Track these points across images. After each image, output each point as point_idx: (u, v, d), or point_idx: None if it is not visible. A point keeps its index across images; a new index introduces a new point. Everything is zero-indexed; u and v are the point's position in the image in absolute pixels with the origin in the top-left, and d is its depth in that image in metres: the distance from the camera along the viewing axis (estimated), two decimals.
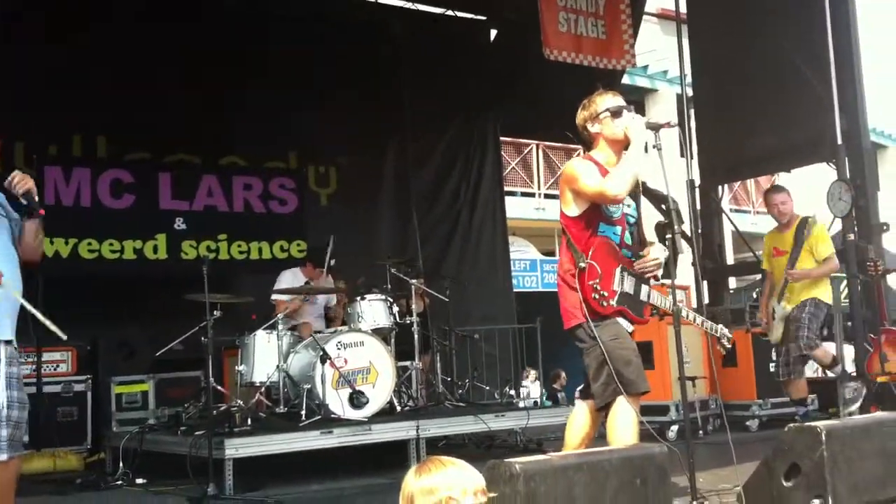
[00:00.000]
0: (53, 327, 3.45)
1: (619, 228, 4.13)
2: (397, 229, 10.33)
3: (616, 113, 4.10)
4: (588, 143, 4.24)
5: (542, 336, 9.10)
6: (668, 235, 4.13)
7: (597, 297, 3.95)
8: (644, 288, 4.12)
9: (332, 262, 7.65)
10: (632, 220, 4.21)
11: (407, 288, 7.72)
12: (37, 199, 3.70)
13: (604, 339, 3.94)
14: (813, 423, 3.90)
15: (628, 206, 4.15)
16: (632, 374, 3.93)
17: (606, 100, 4.15)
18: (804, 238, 6.66)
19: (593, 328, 3.93)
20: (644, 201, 4.32)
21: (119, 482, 6.14)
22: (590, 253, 3.98)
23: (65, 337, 3.48)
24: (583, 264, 3.96)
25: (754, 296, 7.17)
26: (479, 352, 9.11)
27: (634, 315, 4.10)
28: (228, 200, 9.41)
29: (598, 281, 3.95)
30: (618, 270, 4.03)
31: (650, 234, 4.25)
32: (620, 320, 4.04)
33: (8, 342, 3.54)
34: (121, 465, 6.31)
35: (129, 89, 8.45)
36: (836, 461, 3.75)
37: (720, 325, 4.46)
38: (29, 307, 3.52)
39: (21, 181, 3.65)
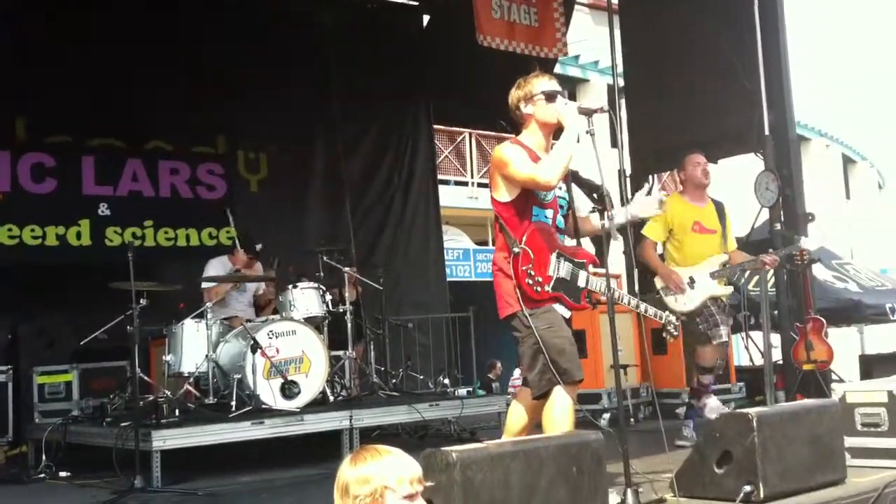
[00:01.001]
0: None
1: (550, 212, 4.10)
2: (329, 216, 10.20)
3: (550, 97, 4.06)
4: (518, 123, 4.20)
5: (476, 326, 9.12)
6: (602, 222, 4.15)
7: (531, 282, 3.91)
8: (581, 273, 4.07)
9: (259, 246, 7.52)
10: (563, 204, 4.18)
11: (339, 276, 7.64)
12: None
13: (539, 327, 3.91)
14: (744, 410, 3.97)
15: (560, 188, 4.13)
16: (566, 363, 3.91)
17: (542, 82, 4.11)
18: (725, 222, 6.29)
19: (528, 316, 3.91)
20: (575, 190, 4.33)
21: (42, 475, 6.00)
22: (523, 238, 3.95)
23: None
24: (517, 249, 3.92)
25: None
26: (413, 341, 9.08)
27: (571, 301, 4.05)
28: (154, 186, 9.17)
29: (531, 266, 3.92)
30: (553, 256, 3.99)
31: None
32: (557, 307, 4.00)
33: None
34: (43, 457, 6.16)
35: (48, 70, 8.13)
36: (767, 447, 3.82)
37: (665, 312, 4.43)
38: None
39: None
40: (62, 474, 6.00)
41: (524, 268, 3.91)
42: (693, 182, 6.30)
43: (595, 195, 4.37)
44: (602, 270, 4.15)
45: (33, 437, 6.70)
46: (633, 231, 5.38)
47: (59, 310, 7.91)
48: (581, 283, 4.07)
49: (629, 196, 9.61)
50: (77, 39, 8.34)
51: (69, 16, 8.30)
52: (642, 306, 4.37)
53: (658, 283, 6.13)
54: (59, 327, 7.79)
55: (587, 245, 4.34)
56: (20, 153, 8.50)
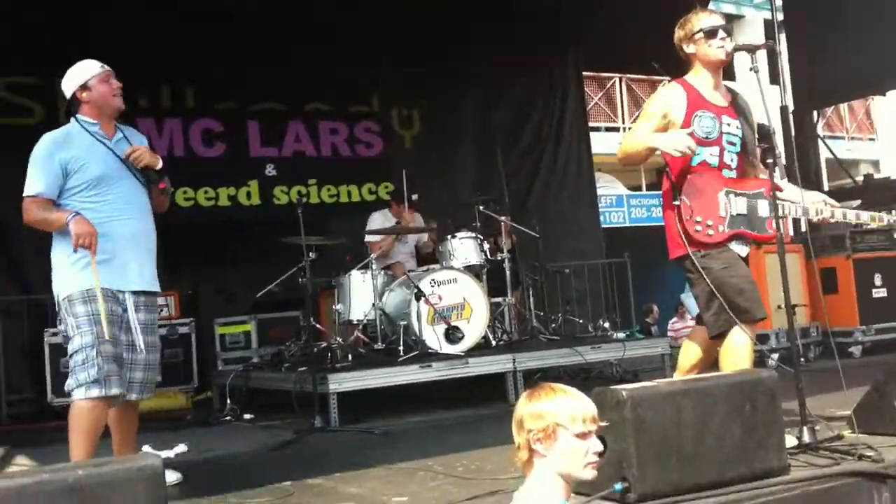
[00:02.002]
0: None
1: (715, 149, 3.94)
2: (482, 168, 10.30)
3: (710, 33, 3.96)
4: (686, 63, 4.11)
5: (632, 270, 9.06)
6: (770, 161, 4.02)
7: (700, 229, 3.82)
8: (761, 202, 3.91)
9: (415, 197, 7.69)
10: (734, 141, 3.99)
11: (495, 225, 7.74)
12: (159, 166, 3.97)
13: (713, 268, 3.83)
14: None
15: (728, 125, 4.01)
16: (745, 302, 3.81)
17: (702, 19, 3.98)
18: None
19: (697, 260, 3.85)
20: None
21: (227, 418, 6.42)
22: (683, 188, 3.86)
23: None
24: (676, 202, 3.86)
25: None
26: (570, 287, 9.10)
27: (756, 233, 3.92)
28: (316, 146, 9.55)
29: (693, 214, 3.83)
30: (721, 195, 3.88)
31: None
32: (733, 245, 3.90)
33: (136, 293, 3.80)
34: (228, 401, 6.57)
35: (214, 43, 8.51)
36: None
37: (882, 213, 4.16)
38: None
39: (138, 157, 3.90)
40: (246, 416, 6.43)
41: (688, 217, 3.83)
42: None
43: (760, 134, 4.24)
44: (789, 192, 4.01)
45: (217, 383, 7.20)
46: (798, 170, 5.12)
47: (234, 265, 8.42)
48: (763, 212, 3.90)
49: (793, 134, 9.23)
50: (240, 17, 8.66)
51: None
52: (851, 214, 4.09)
53: None
54: (235, 282, 8.27)
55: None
56: (191, 120, 9.01)
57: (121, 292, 3.73)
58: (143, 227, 3.90)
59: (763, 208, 3.90)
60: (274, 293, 7.12)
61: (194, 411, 7.21)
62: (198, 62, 8.59)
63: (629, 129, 17.21)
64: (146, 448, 2.44)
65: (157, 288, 3.93)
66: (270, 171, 9.23)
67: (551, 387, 2.41)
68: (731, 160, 3.98)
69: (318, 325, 6.99)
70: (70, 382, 3.61)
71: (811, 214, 4.01)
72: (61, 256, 3.72)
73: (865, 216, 4.08)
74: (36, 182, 3.70)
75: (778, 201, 3.82)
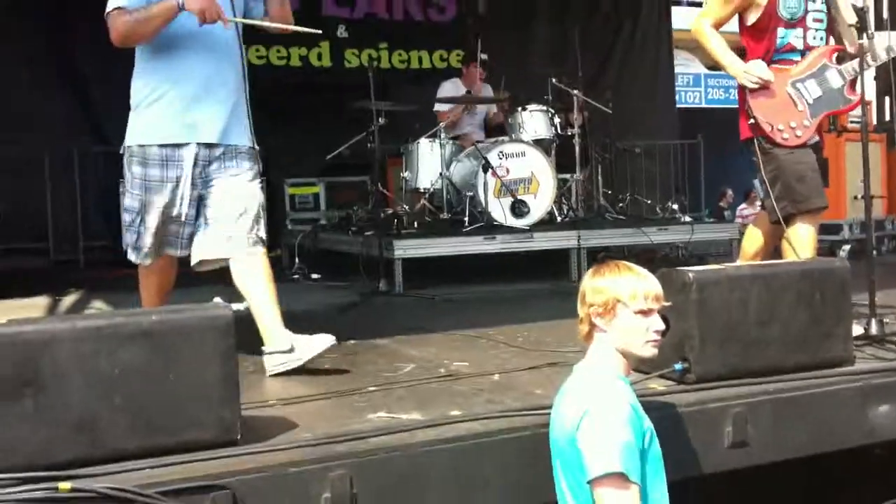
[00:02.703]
0: (303, 29, 3.53)
1: (800, 30, 3.79)
2: (556, 39, 10.01)
3: None
4: None
5: (706, 153, 8.86)
6: (861, 41, 3.83)
7: (787, 136, 3.74)
8: (830, 74, 3.80)
9: (484, 56, 7.51)
10: (821, 17, 3.82)
11: (568, 99, 7.58)
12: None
13: (780, 153, 3.77)
14: None
15: (814, 2, 3.80)
16: (805, 190, 3.75)
17: None
18: None
19: (762, 144, 3.77)
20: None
21: (296, 276, 6.56)
22: (751, 99, 3.74)
23: (319, 32, 3.58)
24: (751, 120, 3.76)
25: None
26: (640, 167, 8.96)
27: (842, 107, 3.89)
28: (389, 8, 9.38)
29: (777, 123, 3.73)
30: (789, 89, 3.76)
31: None
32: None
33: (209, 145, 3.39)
34: (297, 260, 6.72)
35: None
36: None
37: None
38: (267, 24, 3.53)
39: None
40: (314, 276, 6.56)
41: (770, 131, 3.74)
42: None
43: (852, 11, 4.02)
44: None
45: (286, 243, 7.35)
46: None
47: (304, 127, 8.43)
48: (835, 83, 3.80)
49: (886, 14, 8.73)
50: None
51: None
52: None
53: None
54: (305, 143, 8.28)
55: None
56: None
57: (186, 144, 3.36)
58: (237, 78, 3.46)
59: (835, 79, 3.80)
60: (343, 157, 7.15)
61: None
62: None
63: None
64: (217, 300, 2.52)
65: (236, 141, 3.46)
66: (342, 32, 9.10)
67: (616, 264, 2.41)
68: (818, 40, 3.83)
69: (385, 191, 7.03)
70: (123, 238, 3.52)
71: (882, 56, 3.84)
72: (138, 94, 3.39)
73: None
74: None
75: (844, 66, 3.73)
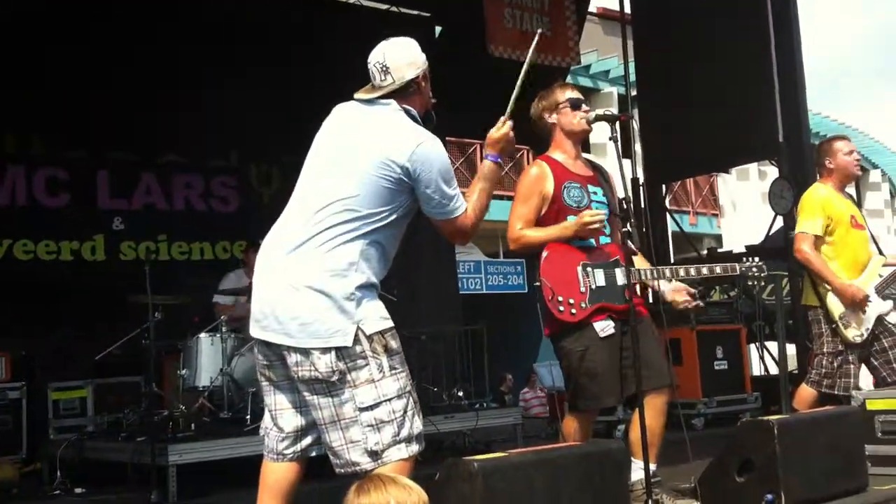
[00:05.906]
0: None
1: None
2: None
3: (575, 105, 4.06)
4: (543, 135, 4.17)
5: (487, 339, 9.08)
6: (625, 229, 4.07)
7: (563, 309, 3.83)
8: (619, 271, 3.91)
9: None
10: (600, 207, 4.02)
11: None
12: None
13: (572, 350, 3.87)
14: (765, 418, 3.93)
15: (594, 193, 4.05)
16: (595, 388, 3.85)
17: (566, 92, 4.12)
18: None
19: (556, 343, 3.93)
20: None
21: (57, 492, 5.94)
22: (542, 265, 3.86)
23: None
24: (537, 283, 3.89)
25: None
26: (427, 353, 9.02)
27: (616, 304, 3.89)
28: (168, 199, 9.22)
29: (555, 295, 3.83)
30: (579, 269, 3.90)
31: None
32: (597, 324, 3.86)
33: None
34: (58, 474, 6.10)
35: (62, 87, 8.12)
36: (788, 456, 3.78)
37: (744, 262, 4.09)
38: None
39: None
40: (77, 490, 5.95)
41: (550, 298, 3.84)
42: (844, 172, 5.38)
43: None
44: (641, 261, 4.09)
45: (48, 453, 6.66)
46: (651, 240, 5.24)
47: (73, 325, 7.92)
48: (621, 280, 3.89)
49: (642, 206, 9.58)
50: (90, 57, 8.30)
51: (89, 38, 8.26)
52: (704, 268, 4.01)
53: (835, 308, 5.12)
54: (73, 342, 7.78)
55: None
56: (35, 167, 8.54)
57: None
58: None
59: (621, 277, 3.91)
60: (115, 355, 6.75)
61: (21, 484, 6.66)
62: (47, 106, 8.15)
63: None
64: None
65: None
66: (118, 224, 8.83)
67: (380, 477, 2.34)
68: (605, 226, 4.03)
69: (160, 391, 6.62)
70: None
71: (667, 275, 4.05)
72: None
73: (718, 268, 4.05)
74: None
75: (634, 268, 3.87)
